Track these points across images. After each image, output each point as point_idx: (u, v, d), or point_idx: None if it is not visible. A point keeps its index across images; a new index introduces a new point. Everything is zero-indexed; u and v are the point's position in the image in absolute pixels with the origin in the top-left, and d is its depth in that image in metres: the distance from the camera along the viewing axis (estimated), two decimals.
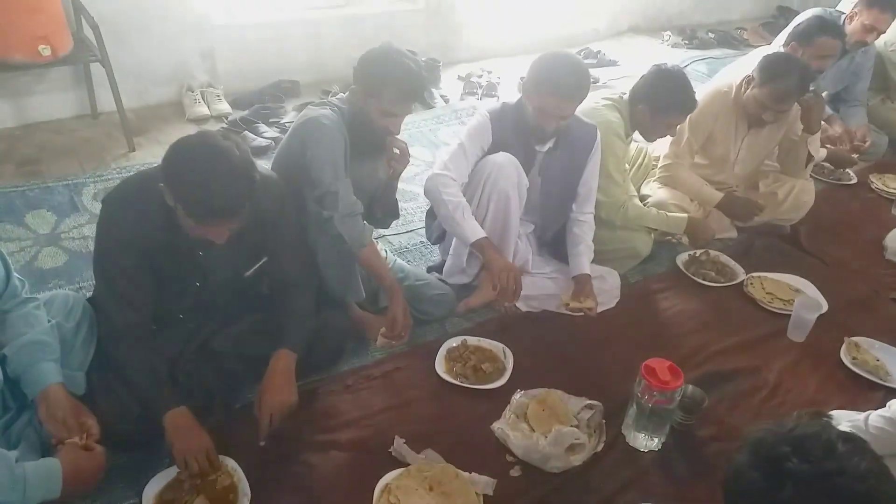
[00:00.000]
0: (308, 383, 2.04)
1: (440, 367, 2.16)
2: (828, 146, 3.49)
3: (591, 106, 2.55)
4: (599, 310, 2.45)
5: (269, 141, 3.43)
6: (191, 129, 3.59)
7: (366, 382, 2.12)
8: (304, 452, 1.85)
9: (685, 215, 2.66)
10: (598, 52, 5.04)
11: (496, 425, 1.96)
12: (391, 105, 2.01)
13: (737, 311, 2.59)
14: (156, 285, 1.77)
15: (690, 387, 2.01)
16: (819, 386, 2.24)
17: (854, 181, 3.61)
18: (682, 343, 2.39)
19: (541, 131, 2.21)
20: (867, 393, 2.22)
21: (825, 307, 2.55)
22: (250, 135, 3.43)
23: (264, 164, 3.21)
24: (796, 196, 2.94)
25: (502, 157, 2.22)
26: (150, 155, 3.33)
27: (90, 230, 2.69)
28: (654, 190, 2.91)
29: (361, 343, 2.25)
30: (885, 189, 3.51)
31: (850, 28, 3.57)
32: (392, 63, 1.99)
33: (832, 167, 3.63)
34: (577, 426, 1.95)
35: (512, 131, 2.26)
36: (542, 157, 2.32)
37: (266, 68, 4.03)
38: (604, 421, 2.00)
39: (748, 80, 2.71)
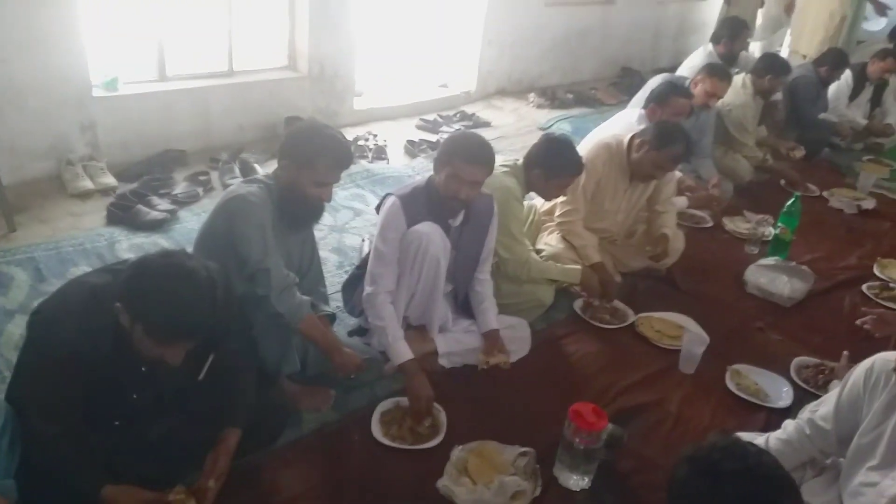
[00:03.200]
0: (248, 461, 2.03)
1: (376, 431, 2.22)
2: (687, 194, 3.94)
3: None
4: (515, 358, 2.63)
5: (165, 213, 3.36)
6: (74, 205, 3.46)
7: (305, 455, 2.14)
8: None
9: (579, 267, 2.92)
10: (473, 114, 5.37)
11: (440, 482, 2.04)
12: (325, 175, 2.13)
13: (632, 349, 2.85)
14: (87, 397, 1.70)
15: (611, 425, 2.20)
16: (713, 412, 2.52)
17: (710, 224, 4.08)
18: (591, 384, 2.60)
19: (452, 201, 2.36)
20: (752, 415, 2.51)
21: (708, 340, 2.87)
22: (143, 208, 3.34)
23: (161, 239, 3.20)
24: (669, 243, 3.29)
25: (428, 227, 2.34)
26: (33, 235, 3.16)
27: None
28: (550, 244, 3.17)
29: (294, 416, 2.27)
30: (737, 230, 4.00)
31: (696, 92, 4.09)
32: (323, 136, 2.13)
33: (694, 213, 4.09)
34: (514, 474, 2.08)
35: (426, 211, 2.39)
36: (454, 231, 2.48)
37: (151, 138, 3.96)
38: (537, 466, 2.14)
39: (641, 143, 3.04)
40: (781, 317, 3.19)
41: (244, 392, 1.93)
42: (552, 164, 2.74)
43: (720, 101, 4.32)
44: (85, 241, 3.11)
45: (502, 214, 2.67)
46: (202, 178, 3.77)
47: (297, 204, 2.17)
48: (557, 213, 3.16)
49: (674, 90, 3.60)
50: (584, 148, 3.15)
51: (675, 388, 2.63)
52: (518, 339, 2.70)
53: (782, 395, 2.61)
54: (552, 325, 2.95)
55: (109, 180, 3.62)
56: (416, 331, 2.55)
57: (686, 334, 2.76)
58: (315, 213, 2.26)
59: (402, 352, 2.31)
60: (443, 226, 2.43)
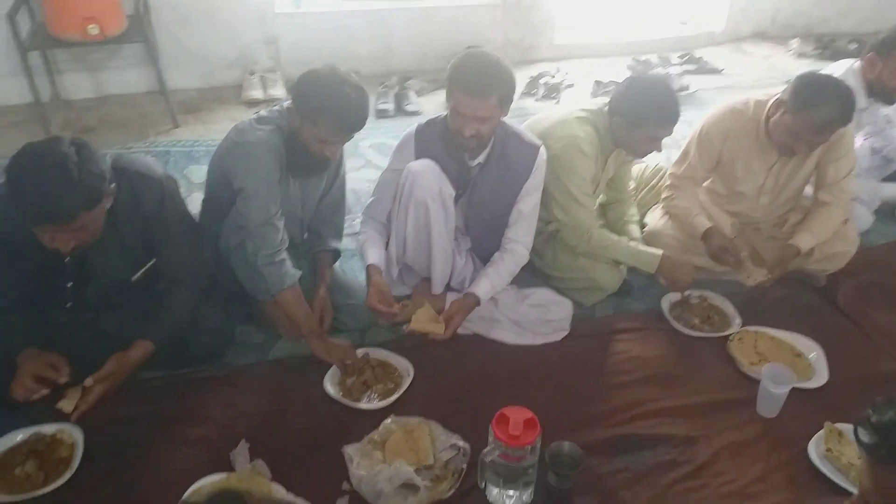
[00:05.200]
0: (192, 373, 2.06)
1: (330, 378, 2.05)
2: None
3: (562, 118, 2.31)
4: (540, 341, 2.23)
5: None
6: (239, 111, 3.75)
7: (251, 383, 2.07)
8: (151, 439, 1.85)
9: (659, 252, 2.30)
10: (700, 57, 4.53)
11: (348, 447, 1.82)
12: (327, 134, 1.96)
13: (709, 368, 2.18)
14: (31, 279, 1.84)
15: (568, 444, 1.74)
16: (760, 478, 1.82)
17: None
18: (616, 394, 2.07)
19: (459, 136, 2.02)
20: (826, 497, 1.77)
21: (814, 382, 2.09)
22: None
23: None
24: (829, 244, 2.41)
25: (419, 165, 2.07)
26: (191, 133, 3.52)
27: None
28: (655, 218, 2.56)
29: (270, 338, 2.22)
30: None
31: None
32: (331, 91, 1.90)
33: None
34: (432, 465, 1.77)
35: (440, 144, 2.11)
36: (474, 171, 2.13)
37: (331, 57, 4.00)
38: (465, 466, 1.79)
39: (778, 103, 2.26)
40: None
41: (173, 307, 1.94)
42: (634, 109, 2.18)
43: None
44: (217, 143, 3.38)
45: (561, 169, 2.23)
46: None
47: (301, 154, 2.02)
48: (664, 187, 2.52)
49: None
50: (716, 107, 2.43)
51: (729, 430, 1.96)
52: (550, 322, 2.26)
53: None
54: (617, 316, 2.40)
55: (279, 92, 3.86)
56: (428, 282, 2.28)
57: (767, 367, 2.02)
58: (319, 166, 2.10)
59: (368, 255, 2.12)
60: (458, 164, 2.11)
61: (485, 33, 4.31)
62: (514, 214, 2.19)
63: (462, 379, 2.11)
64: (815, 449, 1.87)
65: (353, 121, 1.94)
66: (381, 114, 3.75)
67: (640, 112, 2.17)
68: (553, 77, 4.23)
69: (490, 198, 2.17)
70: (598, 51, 4.63)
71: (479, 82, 1.93)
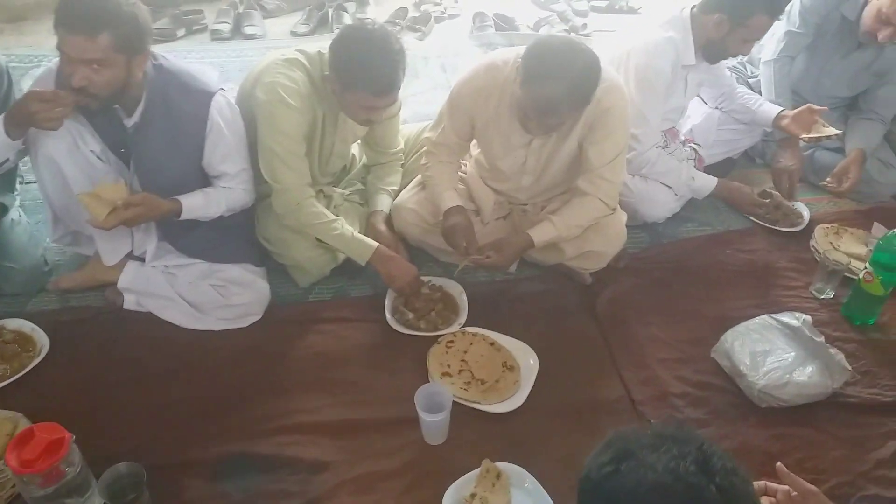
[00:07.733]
0: None
1: None
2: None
3: (273, 59, 1.93)
4: (220, 327, 1.96)
5: None
6: None
7: None
8: None
9: (374, 244, 1.97)
10: None
11: None
12: None
13: (404, 375, 1.85)
14: None
15: (125, 465, 1.47)
16: None
17: (799, 228, 2.47)
18: (269, 400, 1.78)
19: (70, 86, 1.65)
20: None
21: (504, 406, 1.77)
22: None
23: None
24: (584, 239, 2.04)
25: None
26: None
27: None
28: (408, 188, 2.21)
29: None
30: (818, 250, 2.34)
31: (866, 12, 2.39)
32: None
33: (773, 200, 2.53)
34: None
35: None
36: (131, 132, 1.80)
37: None
38: None
39: (517, 68, 1.83)
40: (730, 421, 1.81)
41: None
42: (341, 68, 1.82)
43: None
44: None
45: (264, 121, 1.88)
46: (190, 17, 3.42)
47: None
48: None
49: (766, 4, 2.09)
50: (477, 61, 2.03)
51: (377, 456, 1.68)
52: (232, 307, 1.96)
53: None
54: (332, 302, 2.09)
55: None
56: None
57: (421, 388, 1.69)
58: None
59: None
60: (111, 120, 1.78)
61: None
62: (216, 174, 1.92)
63: (101, 368, 1.85)
64: (455, 492, 1.57)
65: None
66: (215, 34, 3.36)
67: (347, 73, 1.80)
68: (438, 4, 3.76)
69: (160, 161, 1.83)
70: None
71: (83, 15, 1.56)
